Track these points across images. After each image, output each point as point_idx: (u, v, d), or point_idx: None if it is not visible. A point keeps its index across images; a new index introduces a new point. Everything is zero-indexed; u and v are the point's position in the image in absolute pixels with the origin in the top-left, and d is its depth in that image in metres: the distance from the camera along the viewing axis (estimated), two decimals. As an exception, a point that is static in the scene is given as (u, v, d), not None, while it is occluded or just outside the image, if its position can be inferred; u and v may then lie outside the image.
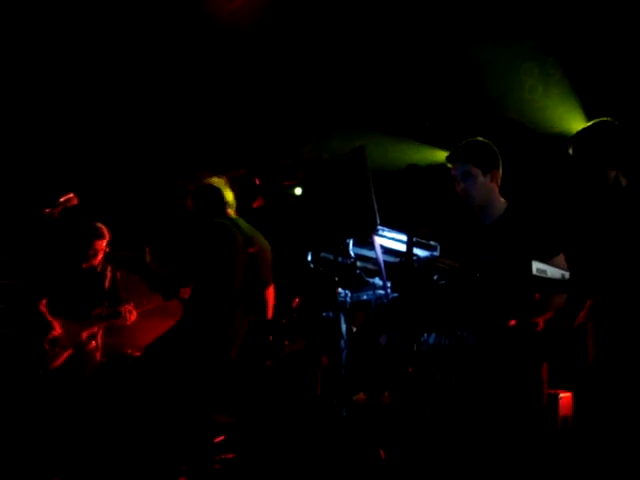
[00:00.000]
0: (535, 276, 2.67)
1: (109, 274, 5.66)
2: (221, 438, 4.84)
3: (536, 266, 2.68)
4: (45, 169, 6.80)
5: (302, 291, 4.52)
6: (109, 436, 5.25)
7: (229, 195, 4.39)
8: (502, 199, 3.44)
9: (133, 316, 5.49)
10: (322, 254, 3.37)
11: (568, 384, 4.58)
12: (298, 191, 7.95)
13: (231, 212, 4.38)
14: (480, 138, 3.44)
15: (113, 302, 5.57)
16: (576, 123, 5.89)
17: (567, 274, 2.81)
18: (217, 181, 4.42)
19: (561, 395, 4.62)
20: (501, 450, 3.02)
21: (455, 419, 3.08)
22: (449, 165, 3.43)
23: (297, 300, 4.64)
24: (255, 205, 8.05)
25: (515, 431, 3.05)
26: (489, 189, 3.38)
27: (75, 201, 4.87)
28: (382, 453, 3.50)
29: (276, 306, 4.52)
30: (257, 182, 8.03)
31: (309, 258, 3.39)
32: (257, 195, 8.19)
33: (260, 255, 4.29)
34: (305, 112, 6.70)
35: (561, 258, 3.15)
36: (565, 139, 3.70)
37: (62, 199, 4.34)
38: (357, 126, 6.43)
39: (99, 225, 5.57)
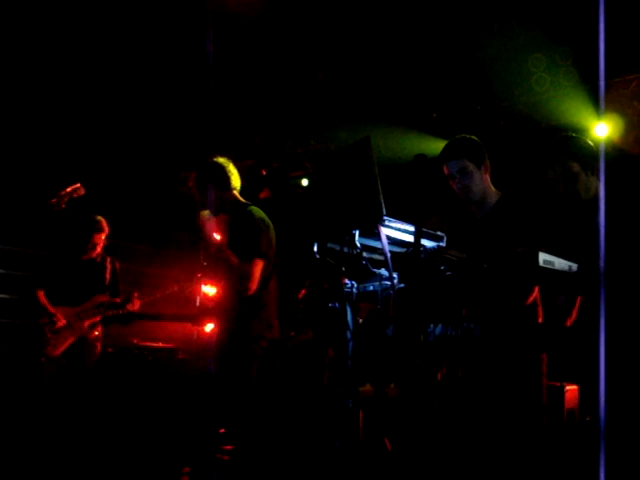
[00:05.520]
0: (542, 267, 2.65)
1: (109, 265, 5.68)
2: (223, 430, 4.85)
3: (543, 257, 2.65)
4: (50, 159, 6.81)
5: (308, 282, 4.51)
6: (113, 428, 5.25)
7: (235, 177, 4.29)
8: (494, 190, 3.46)
9: (136, 306, 5.53)
10: (328, 245, 3.36)
11: (574, 377, 4.56)
12: (304, 182, 7.95)
13: (236, 194, 4.32)
14: (465, 135, 3.44)
15: (113, 293, 5.62)
16: (585, 115, 5.86)
17: (574, 266, 2.78)
18: (223, 160, 4.33)
19: (567, 388, 4.60)
20: (506, 442, 3.01)
21: (461, 410, 3.08)
22: (444, 164, 3.41)
23: (303, 291, 4.63)
24: (262, 196, 8.06)
25: (519, 423, 3.05)
26: (484, 182, 3.40)
27: (82, 191, 4.84)
28: (388, 444, 3.50)
29: (283, 297, 4.52)
30: (264, 173, 8.03)
31: (315, 249, 3.38)
32: (264, 186, 8.19)
33: None
34: (313, 102, 6.68)
35: None
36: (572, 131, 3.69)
37: (69, 189, 4.30)
38: (364, 117, 6.41)
39: (99, 218, 5.59)
